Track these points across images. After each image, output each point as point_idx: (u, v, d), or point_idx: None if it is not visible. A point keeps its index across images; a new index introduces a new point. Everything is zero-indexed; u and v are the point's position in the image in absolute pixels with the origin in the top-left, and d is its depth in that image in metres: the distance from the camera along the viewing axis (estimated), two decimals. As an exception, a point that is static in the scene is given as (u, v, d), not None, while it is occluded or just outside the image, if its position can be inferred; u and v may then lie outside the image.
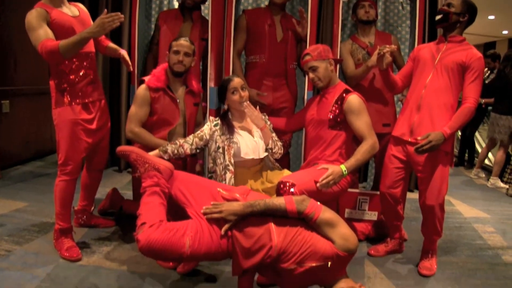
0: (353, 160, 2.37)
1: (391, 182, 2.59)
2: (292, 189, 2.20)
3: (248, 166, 2.44)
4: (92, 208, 2.96)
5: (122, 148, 2.15)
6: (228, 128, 2.41)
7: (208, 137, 2.43)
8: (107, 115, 2.68)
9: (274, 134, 2.52)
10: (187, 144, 2.41)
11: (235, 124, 2.46)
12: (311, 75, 2.52)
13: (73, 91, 2.42)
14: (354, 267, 2.50)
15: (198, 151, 2.49)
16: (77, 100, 2.44)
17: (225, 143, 2.38)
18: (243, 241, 1.85)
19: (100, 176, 2.86)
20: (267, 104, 2.99)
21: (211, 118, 2.50)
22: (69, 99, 2.42)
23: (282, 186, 2.23)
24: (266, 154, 2.48)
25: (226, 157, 2.36)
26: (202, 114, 2.92)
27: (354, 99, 2.43)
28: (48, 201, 3.01)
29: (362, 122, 2.42)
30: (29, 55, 4.38)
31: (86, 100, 2.48)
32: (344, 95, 2.46)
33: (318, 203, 1.89)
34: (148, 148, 2.45)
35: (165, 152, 2.37)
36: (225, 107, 2.51)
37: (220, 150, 2.39)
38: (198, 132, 2.46)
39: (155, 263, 2.44)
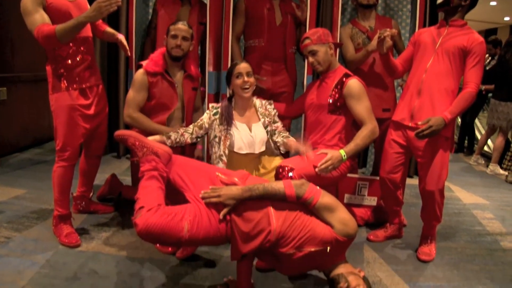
0: (353, 145, 2.34)
1: (391, 167, 2.57)
2: (290, 174, 2.18)
3: (243, 159, 2.42)
4: (91, 194, 2.94)
5: (120, 132, 2.12)
6: (227, 118, 2.38)
7: (207, 125, 2.42)
8: (104, 101, 2.65)
9: (286, 134, 2.50)
10: (187, 134, 2.40)
11: (236, 114, 2.43)
12: (310, 59, 2.48)
13: (70, 76, 2.39)
14: (353, 252, 2.49)
15: (198, 139, 2.48)
16: (74, 85, 2.40)
17: (222, 133, 2.36)
18: (242, 225, 1.83)
19: (99, 162, 2.84)
20: (266, 88, 2.95)
21: (211, 105, 2.46)
22: (66, 84, 2.38)
23: (281, 170, 2.21)
24: (263, 149, 2.45)
25: (221, 147, 2.35)
26: (200, 99, 2.88)
27: (354, 84, 2.39)
28: (46, 188, 2.99)
29: (362, 106, 2.39)
30: (26, 41, 4.32)
31: (84, 85, 2.44)
32: (344, 79, 2.43)
33: (317, 187, 1.87)
34: (146, 133, 2.42)
35: (169, 138, 2.37)
36: (230, 91, 2.47)
37: (217, 139, 2.38)
38: (198, 121, 2.45)
39: (154, 248, 2.44)
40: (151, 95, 2.57)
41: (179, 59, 2.60)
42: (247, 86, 2.36)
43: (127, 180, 3.42)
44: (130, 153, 3.10)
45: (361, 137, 2.35)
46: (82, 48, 2.41)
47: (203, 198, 1.87)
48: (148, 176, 1.95)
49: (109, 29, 2.68)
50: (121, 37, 2.64)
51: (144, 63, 2.58)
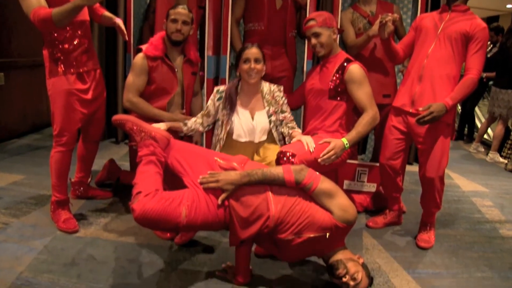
0: (354, 133, 2.31)
1: (391, 153, 2.54)
2: (292, 160, 2.14)
3: (242, 147, 2.39)
4: (89, 179, 2.92)
5: (118, 117, 2.08)
6: (229, 103, 2.34)
7: (213, 112, 2.40)
8: (102, 85, 2.61)
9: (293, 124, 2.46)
10: (198, 124, 2.41)
11: (240, 99, 2.38)
12: (313, 41, 2.41)
13: (67, 60, 2.34)
14: (352, 238, 2.47)
15: (210, 127, 2.46)
16: (72, 70, 2.36)
17: (224, 118, 2.33)
18: (240, 210, 1.81)
19: (96, 147, 2.81)
20: (266, 72, 2.89)
21: (216, 89, 2.41)
22: (63, 68, 2.34)
23: (282, 156, 2.18)
24: (264, 139, 2.40)
25: (222, 131, 2.32)
26: (199, 83, 2.84)
27: (355, 69, 2.34)
28: (45, 174, 2.96)
29: (363, 92, 2.34)
30: (24, 26, 4.25)
31: (81, 70, 2.40)
32: (345, 64, 2.38)
33: (317, 173, 1.84)
34: (145, 118, 2.39)
35: (185, 125, 2.37)
36: (237, 74, 2.40)
37: (219, 122, 2.35)
38: (204, 109, 2.43)
39: (153, 234, 2.42)
40: (151, 80, 2.53)
41: (179, 44, 2.55)
42: (252, 73, 2.30)
43: (125, 165, 3.39)
44: (129, 139, 3.07)
45: (362, 124, 2.31)
46: (79, 32, 2.36)
47: (201, 183, 1.84)
48: (146, 161, 1.92)
49: (107, 13, 2.62)
50: (119, 21, 2.59)
51: (143, 47, 2.53)
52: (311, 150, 2.23)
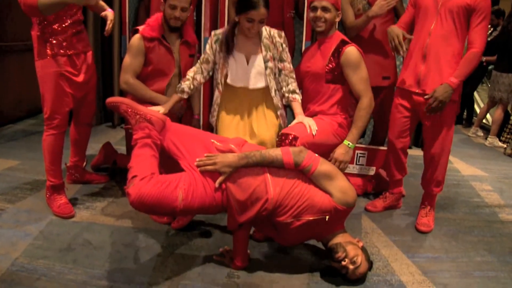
0: (355, 131, 2.29)
1: (399, 131, 2.50)
2: (294, 143, 2.10)
3: (238, 92, 2.33)
4: (85, 163, 2.87)
5: (112, 99, 2.02)
6: (226, 46, 2.25)
7: (212, 56, 2.32)
8: (93, 68, 2.55)
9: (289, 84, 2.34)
10: (198, 75, 2.32)
11: (237, 42, 2.27)
12: (319, 12, 2.27)
13: (56, 42, 2.28)
14: (351, 222, 2.44)
15: (210, 74, 2.38)
16: (61, 52, 2.30)
17: (221, 61, 2.26)
18: (238, 193, 1.76)
19: (89, 130, 2.76)
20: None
21: (213, 32, 2.32)
22: (52, 50, 2.28)
23: (283, 138, 2.13)
24: (260, 86, 2.29)
25: (219, 75, 2.26)
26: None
27: (351, 52, 2.26)
28: (40, 159, 2.87)
29: (358, 77, 2.28)
30: (19, 10, 4.11)
31: (71, 52, 2.34)
32: (341, 47, 2.30)
33: (316, 155, 1.79)
34: (142, 101, 2.33)
35: (183, 91, 2.28)
36: (236, 19, 2.23)
37: (217, 66, 2.29)
38: (202, 56, 2.35)
39: (150, 218, 2.38)
40: (148, 61, 2.47)
41: (177, 29, 2.48)
42: (251, 31, 2.19)
43: (122, 149, 3.33)
44: (125, 122, 3.02)
45: (359, 117, 2.28)
46: (70, 14, 2.28)
47: (198, 166, 1.79)
48: (141, 144, 1.86)
49: (101, 2, 2.55)
50: (109, 13, 2.51)
51: (140, 28, 2.46)
52: (314, 133, 2.18)
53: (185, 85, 2.30)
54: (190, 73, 2.34)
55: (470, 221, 2.65)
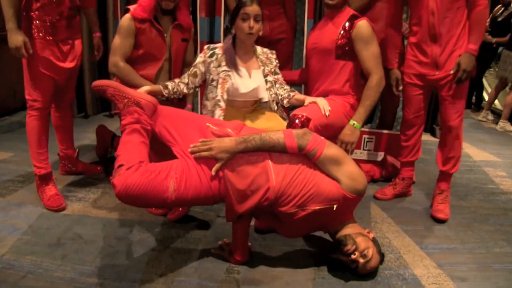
0: (361, 110, 2.12)
1: (416, 108, 2.34)
2: (306, 124, 1.95)
3: (237, 106, 2.18)
4: (76, 153, 2.71)
5: (98, 82, 1.83)
6: (230, 60, 2.10)
7: (203, 70, 2.16)
8: (79, 56, 2.40)
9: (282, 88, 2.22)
10: (182, 84, 2.17)
11: (236, 57, 2.16)
12: None
13: (42, 25, 2.14)
14: (359, 211, 2.23)
15: (196, 89, 2.23)
16: (47, 36, 2.16)
17: (220, 75, 2.10)
18: (237, 182, 1.59)
19: (69, 114, 2.60)
20: (264, 35, 2.62)
21: (206, 47, 2.19)
22: (37, 33, 2.14)
23: (294, 119, 1.96)
24: (263, 99, 2.19)
25: (219, 91, 2.08)
26: (193, 52, 2.57)
27: (364, 26, 2.11)
28: (34, 150, 2.78)
29: (369, 52, 2.12)
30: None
31: (57, 37, 2.20)
32: (353, 20, 2.13)
33: (322, 137, 1.61)
34: (129, 86, 2.15)
35: (166, 87, 2.13)
36: (233, 31, 2.16)
37: (214, 83, 2.11)
38: (191, 69, 2.19)
39: (145, 210, 2.22)
40: (139, 44, 2.30)
41: (170, 12, 2.30)
42: (252, 32, 2.06)
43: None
44: (113, 108, 2.87)
45: (367, 96, 2.12)
46: None
47: (192, 152, 1.61)
48: (129, 130, 1.69)
49: (94, 18, 2.53)
50: (97, 37, 2.50)
51: (131, 7, 2.28)
52: (327, 114, 2.01)
53: (170, 85, 2.15)
54: (177, 80, 2.20)
55: (486, 209, 2.47)
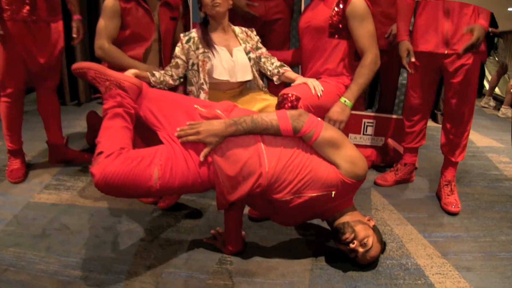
0: (354, 87, 1.97)
1: (424, 90, 2.21)
2: (296, 103, 1.81)
3: (223, 89, 2.05)
4: (65, 141, 2.59)
5: (78, 65, 1.69)
6: (205, 40, 1.99)
7: (184, 58, 2.04)
8: (55, 38, 2.27)
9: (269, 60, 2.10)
10: (168, 76, 2.05)
11: (214, 38, 2.04)
12: None
13: (16, 5, 2.04)
14: (359, 197, 2.15)
15: (181, 80, 2.10)
16: (21, 17, 2.06)
17: (199, 58, 1.98)
18: (227, 168, 1.46)
19: (55, 100, 2.47)
20: (259, 15, 2.48)
21: (182, 35, 2.07)
22: (8, 14, 2.04)
23: (283, 99, 1.82)
24: (249, 79, 2.07)
25: (201, 75, 1.96)
26: (182, 31, 2.43)
27: (359, 2, 1.96)
28: (25, 139, 2.63)
29: (364, 30, 1.98)
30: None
31: (33, 18, 2.10)
32: None
33: (319, 119, 1.48)
34: (118, 68, 2.02)
35: (153, 75, 2.01)
36: (202, 14, 2.07)
37: (195, 67, 2.00)
38: (172, 60, 2.07)
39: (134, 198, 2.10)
40: (125, 24, 2.17)
41: None
42: (216, 2, 1.93)
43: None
44: (95, 91, 2.76)
45: (361, 74, 1.97)
46: None
47: (179, 136, 1.48)
48: (111, 115, 1.55)
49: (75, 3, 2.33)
50: (76, 20, 2.31)
51: None
52: (319, 94, 1.87)
53: (158, 74, 2.03)
54: (164, 71, 2.08)
55: (490, 196, 2.34)
